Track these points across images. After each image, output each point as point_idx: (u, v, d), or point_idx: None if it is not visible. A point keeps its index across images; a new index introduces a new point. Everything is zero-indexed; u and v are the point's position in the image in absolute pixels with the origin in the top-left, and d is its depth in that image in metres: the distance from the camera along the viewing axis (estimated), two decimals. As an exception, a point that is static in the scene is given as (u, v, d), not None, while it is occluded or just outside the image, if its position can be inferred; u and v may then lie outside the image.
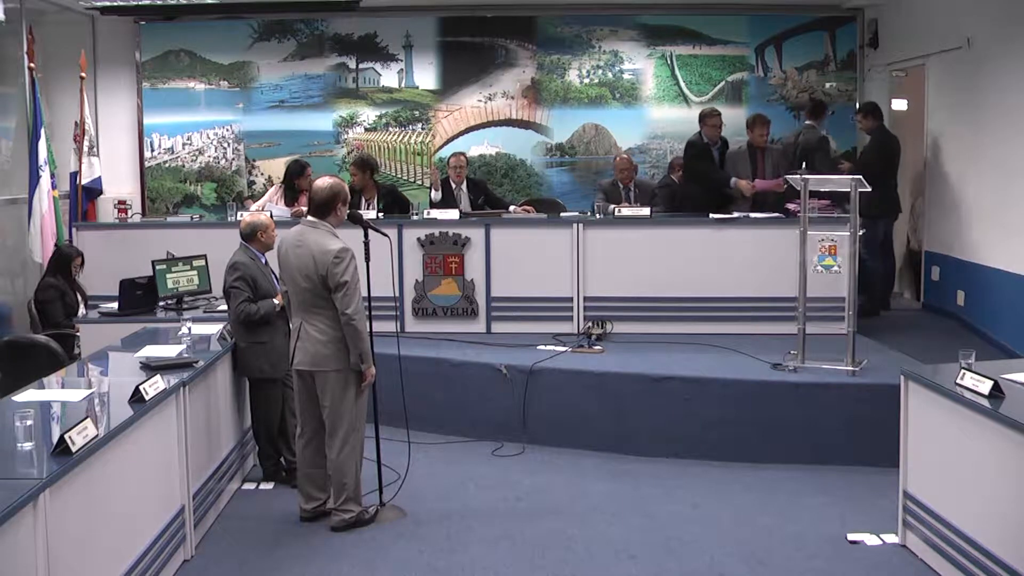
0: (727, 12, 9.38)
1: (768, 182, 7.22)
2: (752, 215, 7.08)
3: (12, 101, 8.17)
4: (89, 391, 4.03)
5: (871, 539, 4.49)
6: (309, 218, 4.65)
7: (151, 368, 4.48)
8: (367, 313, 4.63)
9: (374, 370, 4.63)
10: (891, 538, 4.47)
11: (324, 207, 4.60)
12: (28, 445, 3.25)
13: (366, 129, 9.56)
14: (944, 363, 4.55)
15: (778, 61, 9.41)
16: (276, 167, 9.11)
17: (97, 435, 3.40)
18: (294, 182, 7.47)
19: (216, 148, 9.58)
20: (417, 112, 9.54)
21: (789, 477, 5.38)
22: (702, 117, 7.64)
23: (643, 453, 5.75)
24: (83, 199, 8.29)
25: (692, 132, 7.79)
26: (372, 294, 4.79)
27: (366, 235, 4.84)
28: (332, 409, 4.58)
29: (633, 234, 6.95)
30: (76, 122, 8.35)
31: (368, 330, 4.59)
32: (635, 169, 7.97)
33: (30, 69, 7.87)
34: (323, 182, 4.67)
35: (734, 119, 9.36)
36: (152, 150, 9.56)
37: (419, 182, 9.49)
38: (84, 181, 8.27)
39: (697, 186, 7.54)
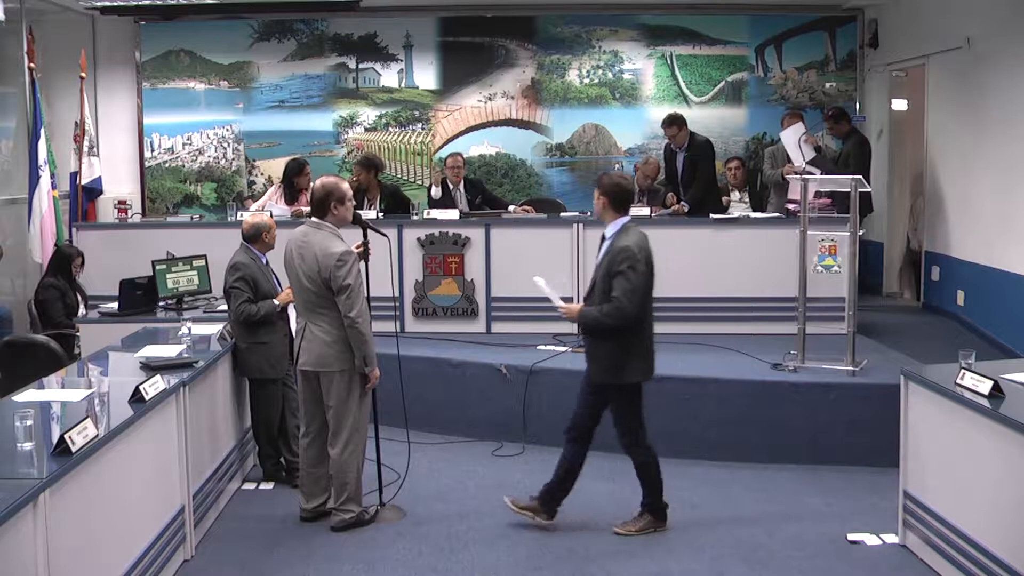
0: (727, 12, 9.37)
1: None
2: (752, 215, 7.07)
3: (12, 101, 8.18)
4: (89, 391, 4.03)
5: (871, 539, 4.50)
6: (313, 219, 4.64)
7: (151, 368, 4.48)
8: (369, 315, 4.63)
9: (378, 372, 4.63)
10: (891, 538, 4.48)
11: (318, 206, 4.61)
12: (28, 445, 3.24)
13: (366, 129, 9.55)
14: (944, 363, 4.54)
15: (778, 61, 9.39)
16: (276, 167, 9.09)
17: (97, 435, 3.40)
18: (293, 180, 7.47)
19: (216, 148, 9.58)
20: (417, 112, 9.54)
21: (789, 477, 5.38)
22: None
23: (643, 453, 5.75)
24: (83, 199, 8.29)
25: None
26: (372, 294, 4.78)
27: (365, 235, 4.84)
28: (336, 409, 4.58)
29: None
30: (76, 122, 8.35)
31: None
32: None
33: (30, 69, 7.87)
34: (318, 181, 4.68)
35: (733, 119, 9.39)
36: (152, 150, 9.55)
37: (419, 182, 9.49)
38: (84, 181, 8.27)
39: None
